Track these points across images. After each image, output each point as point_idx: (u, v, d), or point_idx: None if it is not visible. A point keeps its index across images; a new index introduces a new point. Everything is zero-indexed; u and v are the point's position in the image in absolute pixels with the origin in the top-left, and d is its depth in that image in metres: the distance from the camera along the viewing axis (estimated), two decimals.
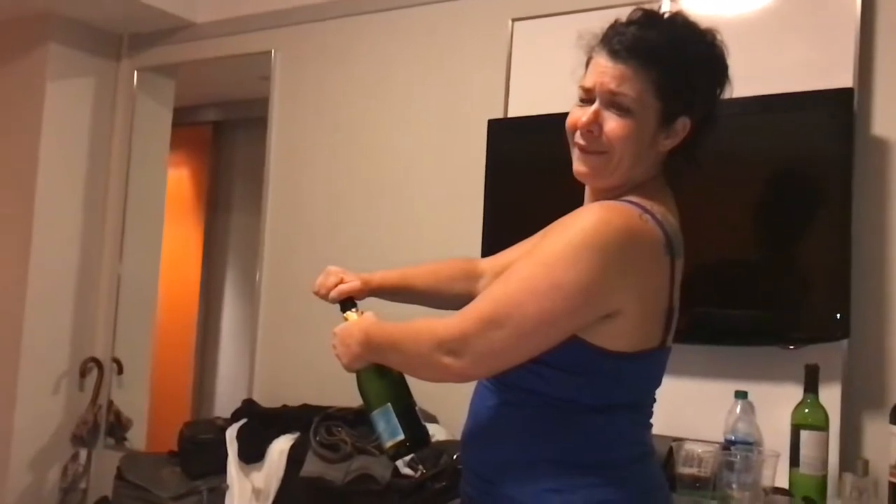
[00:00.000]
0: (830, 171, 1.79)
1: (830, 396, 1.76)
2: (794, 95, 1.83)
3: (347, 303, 1.33)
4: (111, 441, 3.10)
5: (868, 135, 1.85)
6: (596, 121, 1.13)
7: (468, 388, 2.44)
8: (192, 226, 3.34)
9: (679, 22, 1.17)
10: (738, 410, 1.82)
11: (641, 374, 1.16)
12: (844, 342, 1.79)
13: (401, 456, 1.26)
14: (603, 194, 1.18)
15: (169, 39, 3.12)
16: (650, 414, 1.23)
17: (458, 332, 1.11)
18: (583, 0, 2.20)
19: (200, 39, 3.04)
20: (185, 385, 3.25)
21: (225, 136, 3.36)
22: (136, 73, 3.20)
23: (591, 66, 1.16)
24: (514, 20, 2.33)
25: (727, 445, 1.79)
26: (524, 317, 1.07)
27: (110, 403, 3.12)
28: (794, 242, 1.84)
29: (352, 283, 1.39)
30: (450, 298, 1.47)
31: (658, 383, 1.21)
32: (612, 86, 1.11)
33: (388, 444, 1.22)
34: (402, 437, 1.20)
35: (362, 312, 1.31)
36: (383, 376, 1.23)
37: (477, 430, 1.23)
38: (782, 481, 1.71)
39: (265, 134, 2.87)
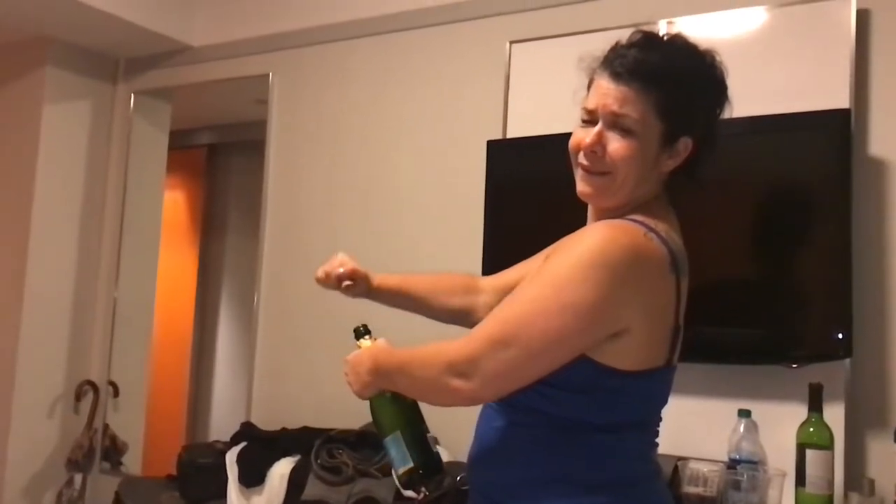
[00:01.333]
0: (829, 191, 1.80)
1: (834, 415, 1.76)
2: (791, 116, 1.86)
3: (360, 330, 1.33)
4: (107, 465, 3.07)
5: (865, 155, 1.87)
6: (599, 142, 1.15)
7: (470, 410, 2.44)
8: (187, 249, 3.33)
9: (679, 43, 1.19)
10: (741, 429, 1.82)
11: (647, 392, 1.17)
12: (847, 361, 1.79)
13: (414, 484, 1.25)
14: (606, 214, 1.20)
15: (165, 63, 3.13)
16: (657, 433, 1.23)
17: (466, 353, 1.11)
18: (580, 22, 2.23)
19: (197, 63, 3.05)
20: (180, 408, 3.22)
21: (219, 160, 3.36)
22: (132, 96, 3.20)
23: (592, 88, 1.18)
24: (511, 42, 2.36)
25: (731, 464, 1.79)
26: (533, 337, 1.08)
27: (106, 427, 3.09)
28: (796, 262, 1.85)
29: (354, 265, 1.45)
30: (446, 310, 1.49)
31: (664, 402, 1.22)
32: (615, 107, 1.13)
33: (400, 470, 1.22)
34: (412, 464, 1.21)
35: (375, 339, 1.31)
36: (395, 403, 1.23)
37: (483, 451, 1.24)
38: (788, 501, 1.71)
39: (260, 157, 2.88)
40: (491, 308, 1.39)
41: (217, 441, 2.43)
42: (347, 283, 1.47)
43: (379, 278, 1.49)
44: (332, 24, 2.74)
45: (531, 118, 2.27)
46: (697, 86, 1.16)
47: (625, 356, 1.11)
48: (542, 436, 1.15)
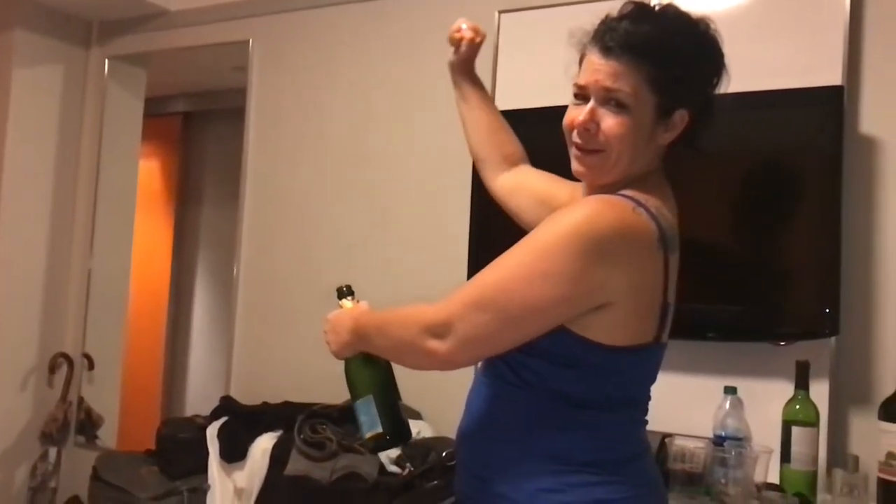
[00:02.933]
0: (820, 169, 1.80)
1: (818, 392, 1.77)
2: (783, 92, 1.84)
3: (343, 290, 1.33)
4: (81, 439, 3.03)
5: (856, 132, 1.86)
6: (592, 119, 1.13)
7: (453, 384, 2.43)
8: (162, 219, 3.27)
9: (671, 14, 1.17)
10: (727, 406, 1.83)
11: (634, 369, 1.16)
12: (832, 338, 1.80)
13: (380, 448, 1.29)
14: (601, 189, 1.18)
15: (141, 27, 3.04)
16: (645, 411, 1.22)
17: (443, 315, 1.11)
18: None
19: (175, 28, 2.96)
20: (155, 381, 3.19)
21: (195, 128, 3.30)
22: (106, 61, 3.11)
23: (584, 64, 1.16)
24: (500, 12, 2.31)
25: (717, 441, 1.80)
26: (510, 302, 1.08)
27: (81, 400, 3.04)
28: (785, 239, 1.85)
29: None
30: (488, 147, 1.50)
31: (653, 380, 1.21)
32: (607, 83, 1.11)
33: (368, 434, 1.23)
34: (380, 430, 1.22)
35: (358, 301, 1.31)
36: (370, 366, 1.24)
37: (471, 426, 1.23)
38: (772, 477, 1.72)
39: (237, 125, 2.81)
40: (509, 189, 1.45)
41: (197, 416, 2.40)
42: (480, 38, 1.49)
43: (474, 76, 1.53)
44: None
45: (520, 90, 2.23)
46: (691, 57, 1.14)
47: (609, 331, 1.10)
48: (530, 411, 1.14)
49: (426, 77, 2.47)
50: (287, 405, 2.34)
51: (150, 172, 3.27)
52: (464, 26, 1.48)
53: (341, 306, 1.31)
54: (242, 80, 2.81)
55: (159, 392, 3.18)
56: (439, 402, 2.27)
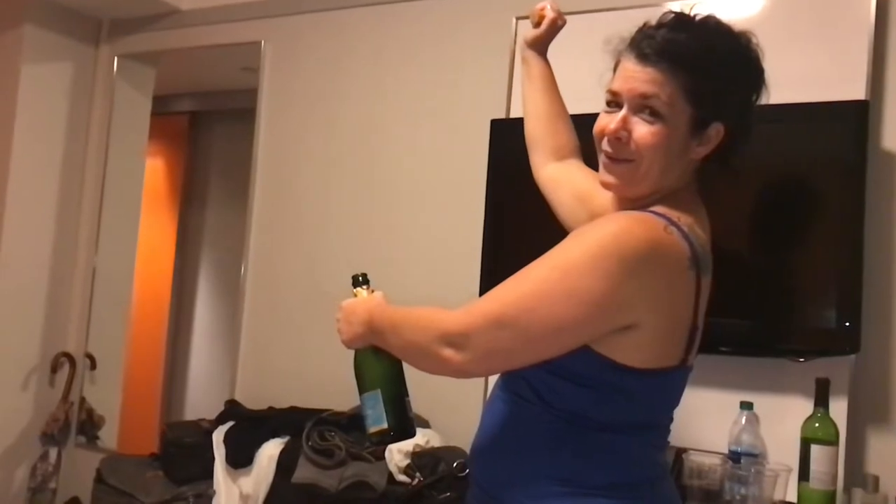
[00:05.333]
0: (842, 184, 1.77)
1: (837, 410, 1.74)
2: (807, 106, 1.82)
3: (359, 279, 1.30)
4: (82, 439, 3.00)
5: (878, 148, 1.84)
6: (624, 127, 1.10)
7: (463, 393, 2.41)
8: (166, 219, 3.25)
9: (711, 24, 1.14)
10: (743, 421, 1.80)
11: (658, 392, 1.13)
12: (852, 356, 1.78)
13: (383, 443, 1.33)
14: (630, 203, 1.15)
15: (152, 26, 3.01)
16: (667, 434, 1.20)
17: (462, 326, 1.08)
18: (590, 1, 2.17)
19: (185, 27, 2.94)
20: (156, 383, 3.16)
21: (202, 128, 3.27)
22: (116, 59, 3.08)
23: (618, 71, 1.13)
24: (518, 18, 2.28)
25: (732, 456, 1.78)
26: (532, 321, 1.05)
27: (82, 400, 3.01)
28: (805, 255, 1.82)
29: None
30: (543, 132, 1.49)
31: (676, 403, 1.17)
32: (642, 89, 1.08)
33: (372, 429, 1.21)
34: (385, 425, 1.20)
35: (373, 291, 1.29)
36: (380, 360, 1.22)
37: (486, 442, 1.20)
38: (790, 496, 1.70)
39: (245, 126, 2.79)
40: (555, 181, 1.45)
41: (202, 419, 2.37)
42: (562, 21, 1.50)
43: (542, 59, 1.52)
44: None
45: None
46: (730, 68, 1.11)
47: (634, 352, 1.07)
48: (547, 430, 1.11)
49: (440, 81, 2.45)
50: (294, 410, 2.32)
51: (155, 171, 3.24)
52: (548, 6, 1.49)
53: (356, 294, 1.29)
54: (252, 81, 2.79)
55: (160, 393, 3.15)
56: (449, 411, 2.25)
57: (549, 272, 1.06)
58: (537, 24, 1.50)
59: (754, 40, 1.14)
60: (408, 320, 1.18)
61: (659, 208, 1.11)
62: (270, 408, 2.42)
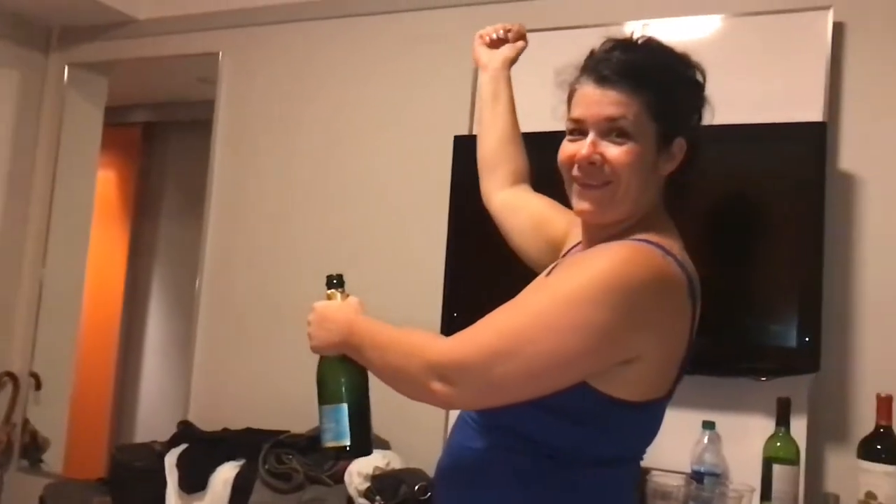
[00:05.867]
0: (802, 204, 1.79)
1: (797, 429, 1.76)
2: (767, 126, 1.84)
3: (334, 280, 1.22)
4: (25, 463, 2.88)
5: (835, 169, 1.87)
6: (596, 151, 1.07)
7: (424, 414, 2.36)
8: (117, 232, 3.16)
9: (656, 44, 1.15)
10: (705, 441, 1.81)
11: (647, 424, 1.11)
12: (811, 375, 1.79)
13: (338, 458, 1.29)
14: (603, 230, 1.12)
15: (105, 35, 2.93)
16: (640, 465, 1.18)
17: (455, 358, 1.02)
18: (549, 19, 2.18)
19: (141, 37, 2.87)
20: (104, 403, 3.06)
21: (156, 139, 3.21)
22: (66, 68, 2.99)
23: (576, 98, 1.12)
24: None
25: (694, 476, 1.78)
26: (536, 355, 0.99)
27: (26, 422, 2.89)
28: (766, 275, 1.84)
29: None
30: (497, 157, 1.45)
31: (656, 434, 1.15)
32: (608, 113, 1.07)
33: (330, 444, 1.15)
34: (347, 442, 1.14)
35: (348, 295, 1.21)
36: (349, 372, 1.15)
37: (457, 471, 1.15)
38: None
39: (200, 138, 2.73)
40: (510, 207, 1.40)
41: (154, 442, 2.29)
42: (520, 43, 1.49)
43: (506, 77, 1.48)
44: (290, 4, 2.61)
45: None
46: (684, 84, 1.12)
47: (631, 386, 1.04)
48: (527, 465, 1.07)
49: (402, 96, 2.43)
50: (250, 432, 2.25)
51: (107, 183, 3.16)
52: (515, 28, 1.49)
53: (329, 297, 1.20)
54: (208, 92, 2.73)
55: (109, 414, 3.05)
56: (409, 431, 2.21)
57: (551, 303, 1.02)
58: (495, 43, 1.47)
59: (694, 58, 1.15)
60: (393, 343, 1.10)
61: (645, 236, 1.08)
62: (225, 429, 2.35)
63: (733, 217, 1.88)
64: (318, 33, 2.57)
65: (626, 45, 1.13)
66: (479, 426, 1.12)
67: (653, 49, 1.14)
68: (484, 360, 1.01)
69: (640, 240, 1.07)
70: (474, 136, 2.16)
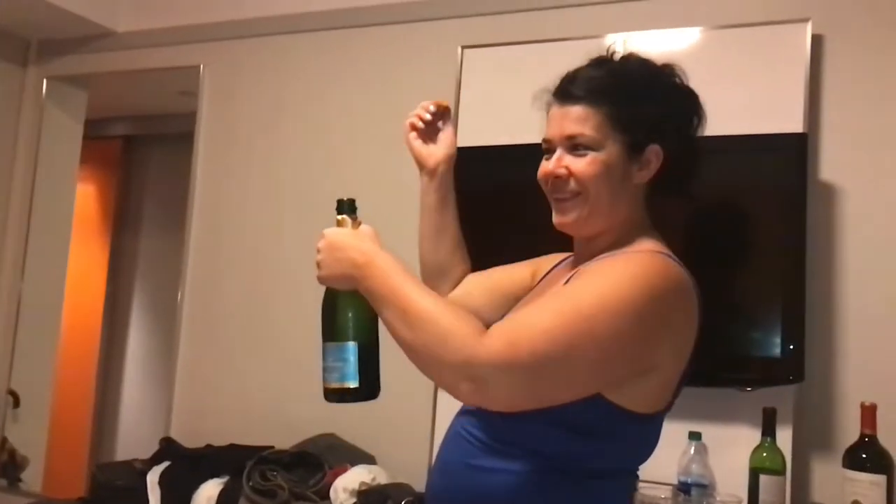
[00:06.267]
0: (784, 214, 1.81)
1: (782, 439, 1.76)
2: (749, 137, 1.85)
3: (345, 204, 1.12)
4: (4, 482, 2.82)
5: (816, 179, 1.89)
6: (561, 164, 1.12)
7: (410, 425, 2.35)
8: (97, 246, 3.13)
9: (632, 59, 1.17)
10: (692, 452, 1.81)
11: (650, 437, 1.11)
12: (796, 385, 1.80)
13: (342, 401, 1.07)
14: (594, 243, 1.14)
15: (84, 48, 2.91)
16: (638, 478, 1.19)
17: (507, 361, 0.94)
18: (533, 31, 2.19)
19: (121, 50, 2.85)
20: (84, 421, 3.01)
21: (137, 152, 3.18)
22: (45, 81, 2.97)
23: (547, 119, 1.16)
24: (464, 48, 2.28)
25: (681, 488, 1.77)
26: (583, 363, 0.97)
27: (4, 440, 2.85)
28: (749, 285, 1.85)
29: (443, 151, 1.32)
30: (440, 255, 1.35)
31: (656, 446, 1.14)
32: (568, 131, 1.11)
33: (334, 385, 1.06)
34: (354, 383, 1.05)
35: (360, 223, 1.12)
36: (358, 307, 1.06)
37: (447, 487, 1.12)
38: None
39: (181, 151, 2.71)
40: (460, 300, 1.28)
41: (136, 459, 2.25)
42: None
43: (447, 181, 1.37)
44: (272, 17, 2.60)
45: (482, 127, 2.19)
46: (655, 93, 1.14)
47: (644, 397, 1.04)
48: (533, 480, 1.04)
49: (391, 111, 2.41)
50: (233, 448, 2.23)
51: (86, 197, 3.13)
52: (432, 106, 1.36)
53: (340, 222, 1.11)
54: (189, 105, 2.72)
55: (89, 432, 3.00)
56: (395, 446, 2.19)
57: (591, 311, 0.97)
58: (429, 128, 1.36)
59: (678, 69, 1.17)
60: (424, 313, 0.99)
61: (649, 245, 1.10)
62: (209, 445, 2.32)
63: (716, 228, 1.89)
64: (301, 46, 2.56)
65: (596, 63, 1.16)
66: (484, 444, 1.08)
67: (622, 64, 1.16)
68: (536, 366, 0.95)
69: (649, 250, 1.09)
70: (460, 149, 2.19)
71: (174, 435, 2.48)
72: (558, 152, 1.12)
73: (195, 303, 2.64)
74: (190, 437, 2.41)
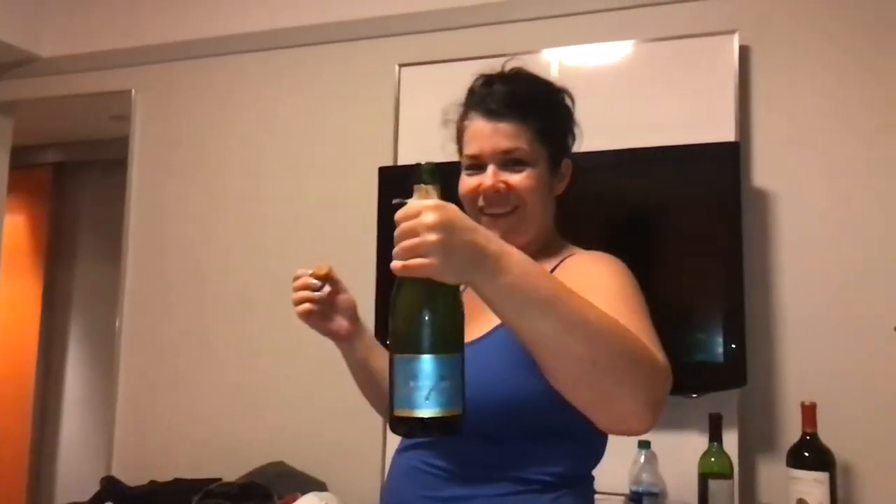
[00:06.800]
0: (720, 221, 1.84)
1: (728, 443, 1.79)
2: (683, 148, 1.89)
3: (427, 170, 0.84)
4: None
5: (750, 186, 1.93)
6: (499, 179, 1.11)
7: (359, 448, 2.31)
8: (29, 279, 3.02)
9: (527, 75, 1.18)
10: (642, 460, 1.82)
11: (605, 438, 1.11)
12: (739, 389, 1.83)
13: (444, 434, 0.79)
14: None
15: (7, 74, 2.82)
16: None
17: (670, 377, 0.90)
18: (469, 48, 2.19)
19: (46, 75, 2.77)
20: (20, 462, 2.89)
21: (68, 180, 3.09)
22: None
23: (468, 134, 1.14)
24: (401, 65, 2.28)
25: (633, 497, 1.78)
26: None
27: None
28: (689, 293, 1.88)
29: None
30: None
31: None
32: (504, 146, 1.11)
33: (435, 413, 0.77)
34: (459, 409, 0.79)
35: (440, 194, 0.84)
36: (461, 309, 0.82)
37: None
38: None
39: (116, 177, 2.65)
40: None
41: (75, 503, 2.16)
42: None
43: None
44: (205, 39, 2.56)
45: (422, 144, 2.18)
46: (562, 109, 1.18)
47: None
48: (518, 500, 1.00)
49: (331, 130, 2.40)
50: (178, 483, 2.16)
51: (16, 228, 3.02)
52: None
53: (423, 191, 0.82)
54: (122, 130, 2.65)
55: (25, 474, 2.87)
56: (346, 471, 2.16)
57: (632, 315, 0.96)
58: (326, 298, 1.22)
59: (560, 83, 1.20)
60: (604, 323, 0.83)
61: (576, 248, 1.15)
62: (152, 482, 2.25)
63: (654, 237, 1.92)
64: (235, 67, 2.53)
65: (501, 77, 1.15)
66: (453, 474, 1.02)
67: (526, 79, 1.17)
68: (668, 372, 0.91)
69: (593, 252, 1.14)
70: (400, 167, 2.19)
71: (116, 472, 2.39)
72: (491, 168, 1.11)
73: (134, 333, 2.56)
74: (133, 472, 2.33)
